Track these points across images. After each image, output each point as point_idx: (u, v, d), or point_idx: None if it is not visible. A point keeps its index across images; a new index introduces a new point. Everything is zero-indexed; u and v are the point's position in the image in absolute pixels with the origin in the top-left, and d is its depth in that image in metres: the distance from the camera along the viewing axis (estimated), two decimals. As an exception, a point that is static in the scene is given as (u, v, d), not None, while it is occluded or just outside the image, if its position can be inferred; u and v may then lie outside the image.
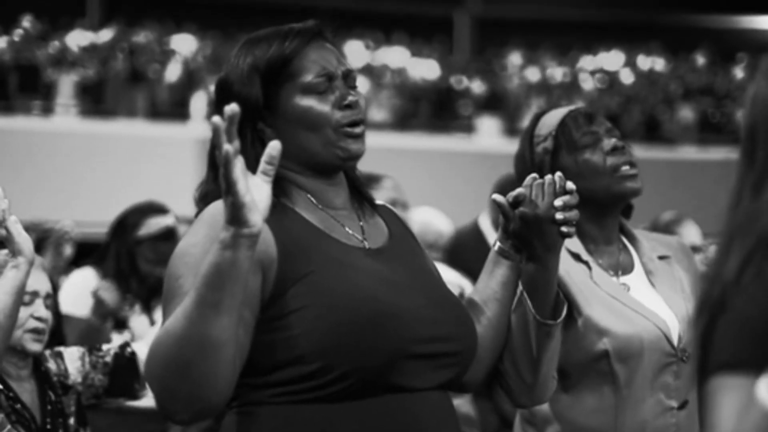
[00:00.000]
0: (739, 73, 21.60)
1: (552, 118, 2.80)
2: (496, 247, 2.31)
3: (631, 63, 21.76)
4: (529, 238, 2.25)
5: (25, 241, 2.80)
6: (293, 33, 2.18)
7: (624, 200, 2.79)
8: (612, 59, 21.91)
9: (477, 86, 19.90)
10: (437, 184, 15.87)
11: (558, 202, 2.22)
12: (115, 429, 4.31)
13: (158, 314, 4.79)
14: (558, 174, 2.26)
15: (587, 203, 2.66)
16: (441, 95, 19.61)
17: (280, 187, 2.10)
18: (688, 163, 18.74)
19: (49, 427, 3.17)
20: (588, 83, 20.82)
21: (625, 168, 2.74)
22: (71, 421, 3.24)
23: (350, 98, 2.15)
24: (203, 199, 2.12)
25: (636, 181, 2.75)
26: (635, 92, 20.51)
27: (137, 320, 4.78)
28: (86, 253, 6.15)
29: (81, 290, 4.76)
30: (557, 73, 20.95)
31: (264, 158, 1.84)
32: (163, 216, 4.93)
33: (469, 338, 2.16)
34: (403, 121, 19.23)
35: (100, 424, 3.73)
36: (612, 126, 2.82)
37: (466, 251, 5.84)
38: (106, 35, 18.38)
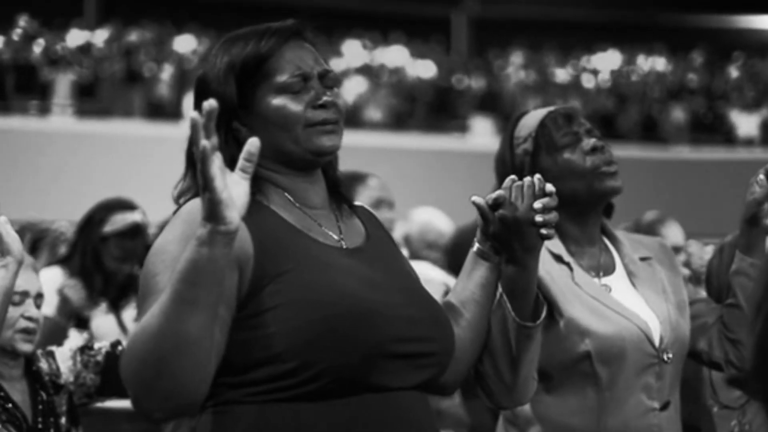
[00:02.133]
0: (734, 72, 21.59)
1: (531, 120, 2.80)
2: (474, 249, 2.31)
3: (629, 63, 21.75)
4: (509, 241, 2.24)
5: (13, 240, 2.80)
6: (270, 32, 2.18)
7: (605, 199, 2.79)
8: (610, 59, 21.90)
9: (472, 86, 19.90)
10: (433, 183, 15.88)
11: (537, 205, 2.21)
12: (107, 428, 4.32)
13: (127, 314, 4.74)
14: (537, 176, 2.25)
15: (568, 204, 2.67)
16: (437, 95, 19.60)
17: (257, 185, 2.10)
18: (681, 162, 18.74)
19: (40, 426, 3.17)
20: (585, 83, 20.82)
21: (606, 167, 2.74)
22: (63, 420, 3.24)
23: (325, 98, 2.15)
24: (181, 197, 2.12)
25: (616, 179, 2.75)
26: (633, 92, 20.50)
27: (102, 319, 4.72)
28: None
29: (47, 289, 4.73)
30: (555, 73, 20.95)
31: (243, 155, 1.84)
32: (130, 212, 4.85)
33: (446, 339, 2.16)
34: (399, 121, 19.22)
35: (92, 423, 3.74)
36: (591, 126, 2.81)
37: (467, 250, 5.85)
38: (102, 35, 18.37)
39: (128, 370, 1.88)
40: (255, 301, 2.01)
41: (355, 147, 15.89)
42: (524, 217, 2.22)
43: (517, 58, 21.40)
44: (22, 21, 17.70)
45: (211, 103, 1.78)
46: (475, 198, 2.27)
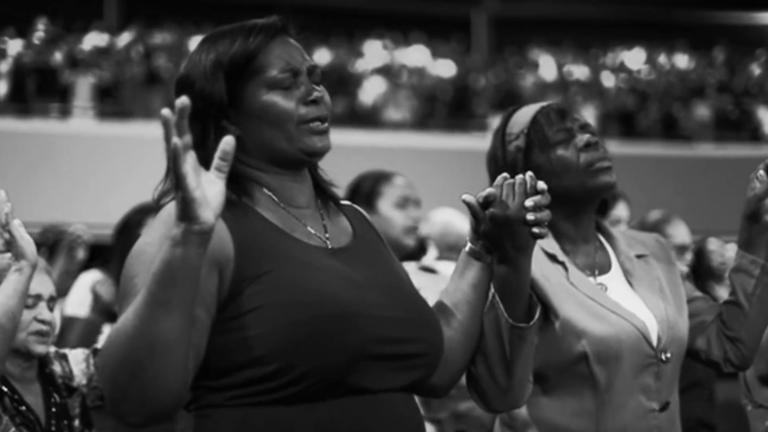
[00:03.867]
0: (756, 69, 21.50)
1: (524, 116, 2.73)
2: (467, 248, 2.26)
3: (650, 61, 21.69)
4: (500, 239, 2.19)
5: (27, 244, 2.82)
6: (257, 28, 2.14)
7: (599, 195, 2.72)
8: (632, 57, 21.85)
9: (492, 85, 19.87)
10: (453, 182, 15.86)
11: (529, 203, 2.16)
12: (119, 431, 4.33)
13: None
14: (529, 173, 2.20)
15: (562, 201, 2.61)
16: (458, 94, 19.58)
17: (240, 185, 2.08)
18: (706, 160, 18.65)
19: (53, 429, 3.18)
20: (606, 81, 20.76)
21: (599, 163, 2.67)
22: (76, 423, 3.25)
23: (315, 94, 2.11)
24: (162, 199, 2.09)
25: (610, 174, 2.68)
26: (654, 90, 20.42)
27: None
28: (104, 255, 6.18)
29: (86, 293, 4.77)
30: (576, 71, 20.91)
31: (218, 154, 1.79)
32: None
33: (434, 340, 2.11)
34: (420, 121, 19.21)
35: (104, 425, 3.74)
36: (585, 122, 2.74)
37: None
38: (123, 38, 18.42)
39: (103, 373, 1.85)
40: (235, 303, 1.97)
41: (376, 147, 15.93)
42: (515, 215, 2.17)
43: (537, 56, 21.37)
44: (42, 24, 17.77)
45: (183, 100, 1.73)
46: (465, 196, 2.22)
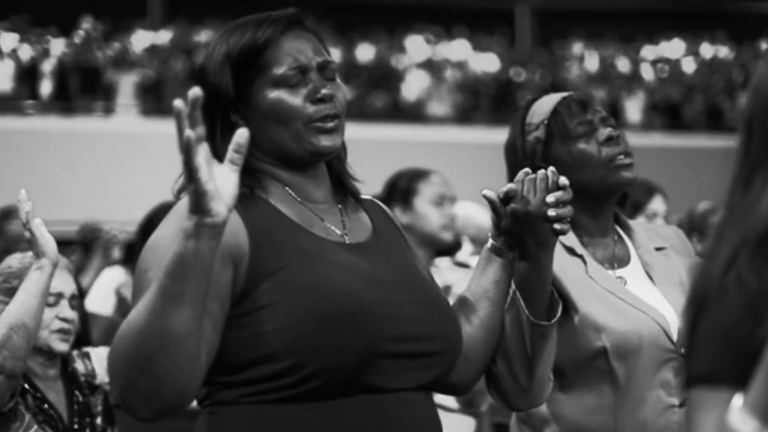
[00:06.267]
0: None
1: (544, 106, 2.67)
2: (488, 244, 2.22)
3: (693, 52, 21.53)
4: (521, 236, 2.16)
5: (48, 242, 2.84)
6: (268, 21, 2.10)
7: (619, 191, 2.67)
8: (674, 48, 21.69)
9: (537, 78, 19.80)
10: (498, 177, 15.81)
11: (550, 198, 2.12)
12: (142, 428, 4.33)
13: None
14: (551, 169, 2.16)
15: (582, 195, 2.53)
16: (501, 88, 19.51)
17: (255, 178, 2.05)
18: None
19: (76, 426, 3.20)
20: (649, 73, 20.63)
21: (620, 158, 2.62)
22: (98, 420, 3.26)
23: (324, 92, 2.07)
24: (181, 193, 2.04)
25: (631, 170, 2.62)
26: (698, 81, 20.26)
27: None
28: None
29: (109, 289, 4.79)
30: (619, 63, 20.79)
31: (231, 146, 1.76)
32: None
33: (451, 337, 2.08)
34: (463, 115, 19.17)
35: (127, 422, 3.75)
36: (607, 114, 2.68)
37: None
38: (165, 36, 18.50)
39: (114, 368, 1.83)
40: (250, 299, 1.95)
41: (419, 142, 15.90)
42: (536, 211, 2.14)
43: (580, 48, 21.27)
44: (86, 23, 17.89)
45: (195, 92, 1.70)
46: (486, 191, 2.19)
